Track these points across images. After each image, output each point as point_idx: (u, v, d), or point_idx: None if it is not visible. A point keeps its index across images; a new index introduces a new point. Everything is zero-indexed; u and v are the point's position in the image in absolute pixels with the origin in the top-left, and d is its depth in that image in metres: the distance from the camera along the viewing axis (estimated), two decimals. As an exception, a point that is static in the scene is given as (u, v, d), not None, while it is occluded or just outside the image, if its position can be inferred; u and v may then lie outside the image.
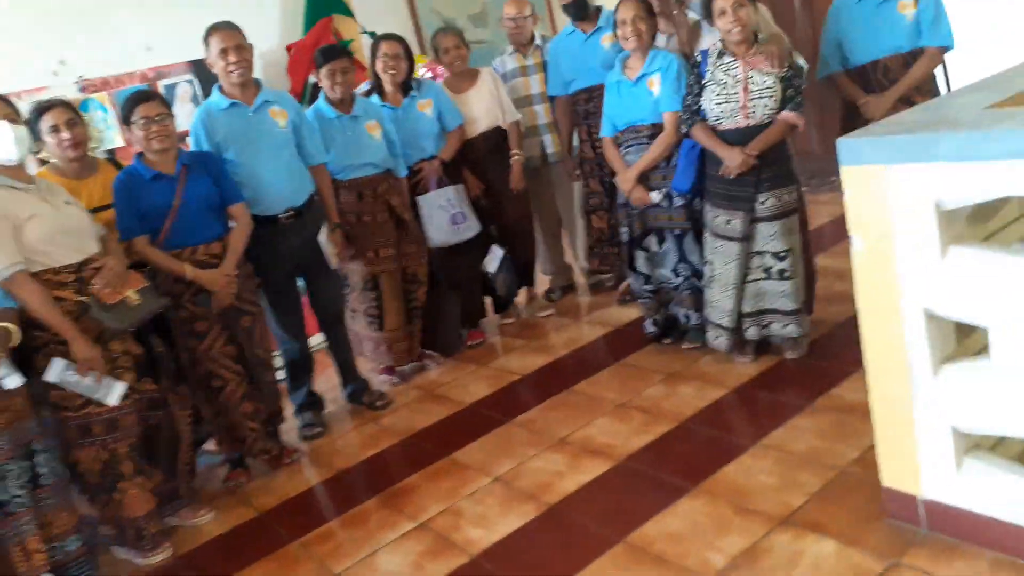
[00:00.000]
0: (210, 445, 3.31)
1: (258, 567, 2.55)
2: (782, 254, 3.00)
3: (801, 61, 2.94)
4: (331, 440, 3.38)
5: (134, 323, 2.63)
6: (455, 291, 3.98)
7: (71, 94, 3.93)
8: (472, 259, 3.98)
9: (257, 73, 3.33)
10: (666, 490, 2.46)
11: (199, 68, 4.18)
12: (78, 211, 2.64)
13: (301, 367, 3.46)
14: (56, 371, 2.46)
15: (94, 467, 2.58)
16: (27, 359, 2.49)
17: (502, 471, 2.80)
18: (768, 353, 3.19)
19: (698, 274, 3.25)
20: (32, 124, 2.71)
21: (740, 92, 2.90)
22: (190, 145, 3.24)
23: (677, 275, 3.33)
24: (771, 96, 2.87)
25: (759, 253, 3.03)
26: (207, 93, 3.63)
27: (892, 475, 2.06)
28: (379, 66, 3.73)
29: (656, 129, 3.25)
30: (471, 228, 3.84)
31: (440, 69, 4.22)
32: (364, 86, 3.85)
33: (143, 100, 2.83)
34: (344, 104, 3.52)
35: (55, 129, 2.73)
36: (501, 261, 3.99)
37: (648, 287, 3.45)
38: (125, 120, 2.88)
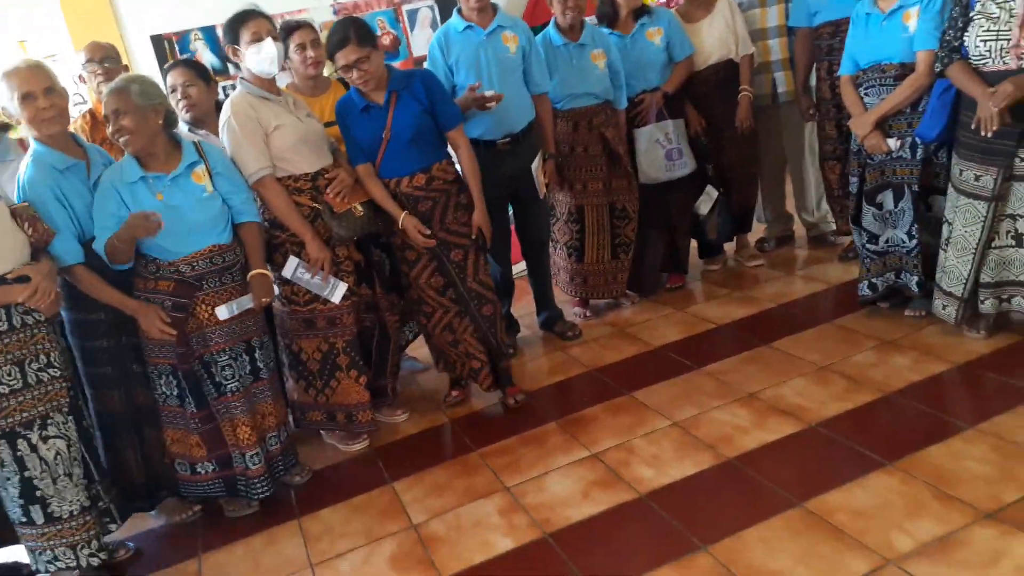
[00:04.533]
0: (411, 351, 3.53)
1: (440, 469, 2.73)
2: (1042, 220, 2.60)
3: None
4: (521, 362, 3.49)
5: (358, 232, 2.84)
6: (661, 231, 3.87)
7: (326, 17, 4.26)
8: (684, 199, 3.84)
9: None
10: (858, 462, 2.29)
11: (440, -6, 4.36)
12: (317, 124, 2.86)
13: (502, 290, 3.53)
14: (291, 268, 2.76)
15: (315, 356, 2.87)
16: (267, 256, 2.81)
17: (682, 417, 2.75)
18: (1005, 330, 2.83)
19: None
20: (282, 41, 2.94)
21: (1015, 28, 2.49)
22: (426, 66, 3.37)
23: (911, 238, 3.00)
24: (1053, 33, 2.44)
25: (1011, 216, 2.65)
26: (445, 19, 3.76)
27: None
28: (614, -9, 3.64)
29: (905, 70, 2.89)
30: (686, 166, 3.70)
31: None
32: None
33: (343, 45, 2.70)
34: (573, 31, 3.48)
35: (301, 47, 2.94)
36: (715, 203, 3.82)
37: (872, 247, 3.14)
38: (331, 54, 2.76)
